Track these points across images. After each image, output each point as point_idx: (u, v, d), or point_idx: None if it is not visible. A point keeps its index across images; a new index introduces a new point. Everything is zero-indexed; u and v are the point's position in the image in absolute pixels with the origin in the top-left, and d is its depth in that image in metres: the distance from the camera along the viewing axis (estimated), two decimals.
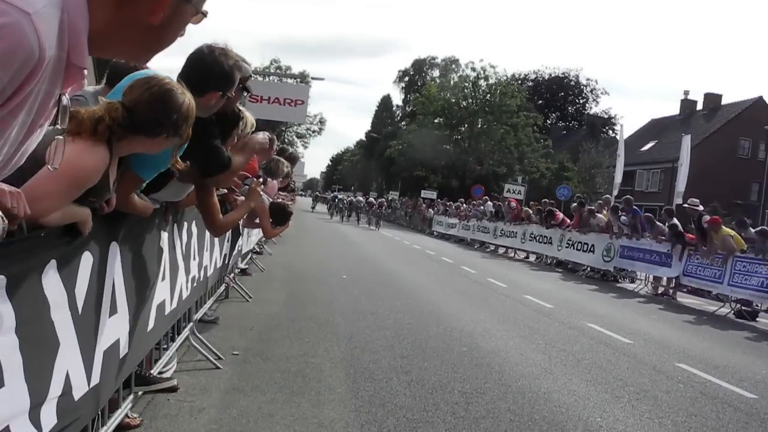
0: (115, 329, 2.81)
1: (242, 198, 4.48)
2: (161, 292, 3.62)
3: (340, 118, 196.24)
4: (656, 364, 7.10)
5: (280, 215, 5.85)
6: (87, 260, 2.40)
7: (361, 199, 44.04)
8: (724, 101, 49.36)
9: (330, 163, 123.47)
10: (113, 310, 2.77)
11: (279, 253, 14.50)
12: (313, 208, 55.33)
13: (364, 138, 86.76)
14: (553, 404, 5.14)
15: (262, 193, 6.49)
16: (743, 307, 12.09)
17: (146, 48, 1.12)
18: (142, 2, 1.02)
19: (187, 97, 2.39)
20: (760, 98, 46.18)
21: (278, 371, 5.12)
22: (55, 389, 2.12)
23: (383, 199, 43.97)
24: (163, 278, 3.64)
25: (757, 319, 11.94)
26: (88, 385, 2.46)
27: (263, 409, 4.19)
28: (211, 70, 3.04)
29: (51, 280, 2.03)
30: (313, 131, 70.01)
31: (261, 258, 12.23)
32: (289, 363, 5.41)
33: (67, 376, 2.22)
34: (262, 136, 4.29)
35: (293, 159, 9.60)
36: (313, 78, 25.45)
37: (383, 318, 8.12)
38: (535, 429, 4.48)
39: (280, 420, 4.03)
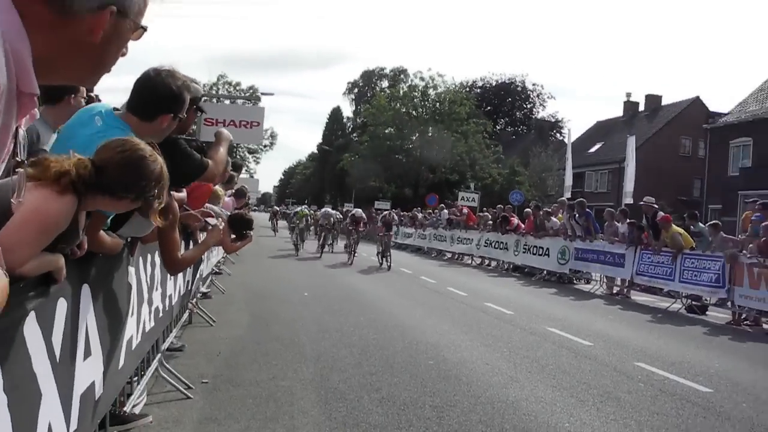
0: (89, 372, 2.78)
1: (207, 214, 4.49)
2: (130, 327, 3.60)
3: (291, 132, 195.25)
4: (617, 365, 7.30)
5: (241, 225, 5.79)
6: (62, 306, 2.38)
7: (333, 212, 26.54)
8: (664, 102, 51.03)
9: (282, 177, 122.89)
10: (87, 352, 2.75)
11: (238, 272, 14.39)
12: (274, 230, 39.45)
13: (316, 150, 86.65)
14: (522, 412, 5.26)
15: (219, 209, 6.50)
16: (693, 302, 12.53)
17: (91, 69, 1.13)
18: (79, 22, 1.03)
19: (158, 165, 2.40)
20: (697, 98, 47.92)
21: (249, 397, 5.11)
22: None
23: (389, 213, 23.74)
24: (132, 313, 3.62)
25: (707, 312, 12.39)
26: (68, 431, 2.45)
27: None
28: (160, 93, 3.05)
29: (31, 332, 2.02)
30: (265, 146, 69.68)
31: (220, 278, 12.14)
32: (260, 388, 5.40)
33: (50, 426, 2.21)
34: (227, 131, 4.33)
35: (237, 167, 9.52)
36: (262, 93, 25.43)
37: (348, 335, 8.15)
38: None
39: None
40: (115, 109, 3.15)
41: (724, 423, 5.39)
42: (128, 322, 3.49)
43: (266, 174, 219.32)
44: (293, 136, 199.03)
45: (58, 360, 2.31)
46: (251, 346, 7.06)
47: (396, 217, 24.28)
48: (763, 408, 5.90)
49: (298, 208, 29.50)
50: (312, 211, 30.73)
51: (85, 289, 2.71)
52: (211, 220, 4.20)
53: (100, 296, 2.94)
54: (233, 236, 4.70)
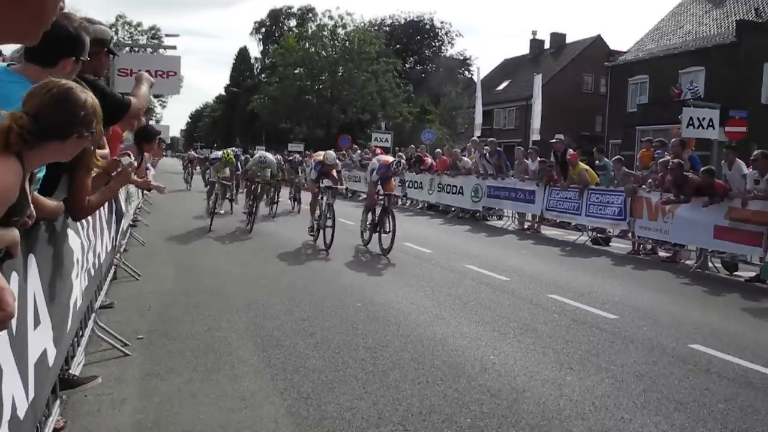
0: (41, 340, 2.80)
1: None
2: (74, 290, 3.59)
3: (196, 73, 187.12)
4: (532, 298, 7.80)
5: (146, 136, 6.73)
6: (14, 280, 2.39)
7: (272, 158, 16.31)
8: (568, 40, 52.51)
9: (189, 120, 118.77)
10: (37, 321, 2.76)
11: (155, 222, 14.05)
12: (187, 181, 29.10)
13: (223, 92, 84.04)
14: (450, 348, 5.59)
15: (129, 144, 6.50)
16: (598, 235, 13.36)
17: (35, 26, 1.12)
18: None
19: (87, 94, 2.40)
20: (599, 36, 49.64)
21: (188, 350, 5.18)
22: (6, 414, 2.15)
23: (396, 161, 12.04)
24: (76, 276, 3.60)
25: (610, 244, 13.26)
26: (27, 401, 2.48)
27: (183, 390, 4.28)
28: (56, 36, 2.96)
29: None
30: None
31: (138, 230, 11.86)
32: (197, 340, 5.47)
33: (13, 399, 2.25)
34: (147, 74, 4.28)
35: (146, 110, 9.20)
36: (167, 35, 24.21)
37: (276, 281, 8.27)
38: (438, 374, 4.89)
39: (203, 399, 4.15)
40: (10, 64, 3.08)
41: (628, 346, 5.93)
42: (73, 284, 3.48)
43: (173, 118, 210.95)
44: (199, 77, 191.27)
45: (14, 333, 2.34)
46: (181, 299, 7.06)
47: (402, 168, 12.61)
48: (660, 330, 6.51)
49: (219, 153, 16.99)
50: (235, 155, 16.84)
51: (32, 259, 2.70)
52: (124, 159, 4.06)
53: (45, 263, 2.94)
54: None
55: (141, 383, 4.40)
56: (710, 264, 10.75)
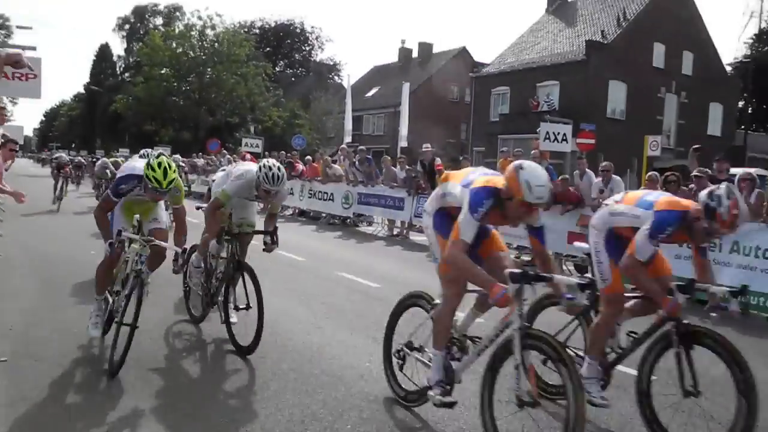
0: None
1: None
2: None
3: (51, 68, 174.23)
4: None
5: None
6: None
7: (280, 173, 6.03)
8: (435, 50, 54.55)
9: (44, 119, 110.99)
10: None
11: (11, 232, 13.05)
12: (59, 198, 19.24)
13: (83, 90, 79.31)
14: (328, 357, 5.80)
15: None
16: None
17: None
18: None
19: None
20: (464, 48, 52.03)
21: (59, 371, 4.98)
22: None
23: None
24: None
25: None
26: None
27: (58, 415, 4.15)
28: None
29: None
30: None
31: None
32: (67, 359, 5.26)
33: None
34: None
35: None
36: (18, 27, 22.37)
37: (150, 295, 8.05)
38: (317, 383, 5.08)
39: (79, 422, 4.07)
40: None
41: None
42: None
43: (25, 116, 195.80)
44: (54, 73, 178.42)
45: None
46: (47, 316, 6.68)
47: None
48: None
49: (138, 163, 5.77)
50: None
51: None
52: None
53: None
54: None
55: (9, 411, 4.17)
56: (564, 267, 11.69)
